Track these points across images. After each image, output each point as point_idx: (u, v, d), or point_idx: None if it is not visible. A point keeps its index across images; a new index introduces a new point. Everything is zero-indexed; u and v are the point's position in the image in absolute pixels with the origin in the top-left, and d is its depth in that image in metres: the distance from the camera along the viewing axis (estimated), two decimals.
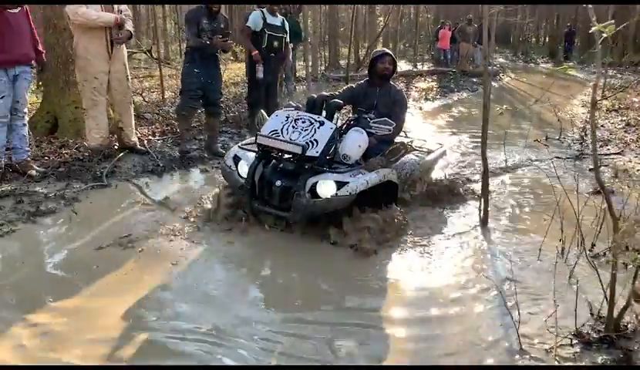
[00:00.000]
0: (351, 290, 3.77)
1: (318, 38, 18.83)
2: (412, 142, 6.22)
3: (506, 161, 6.78)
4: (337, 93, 5.61)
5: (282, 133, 4.66)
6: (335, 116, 4.92)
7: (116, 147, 6.61)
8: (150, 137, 7.40)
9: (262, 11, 7.41)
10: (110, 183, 5.69)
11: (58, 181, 5.61)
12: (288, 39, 7.84)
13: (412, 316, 3.46)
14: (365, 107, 5.50)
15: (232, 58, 18.30)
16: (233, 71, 15.65)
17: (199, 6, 6.44)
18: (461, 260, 4.27)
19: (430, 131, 9.41)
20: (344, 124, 5.09)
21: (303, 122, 4.70)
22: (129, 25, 6.04)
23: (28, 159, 5.75)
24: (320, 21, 21.61)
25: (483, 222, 4.96)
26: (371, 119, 5.02)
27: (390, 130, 4.89)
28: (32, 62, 5.64)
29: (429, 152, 6.05)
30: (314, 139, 4.56)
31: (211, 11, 6.43)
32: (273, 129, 4.73)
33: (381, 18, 27.46)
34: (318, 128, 4.64)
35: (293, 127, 4.70)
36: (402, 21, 25.50)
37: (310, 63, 14.51)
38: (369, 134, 4.85)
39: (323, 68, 18.44)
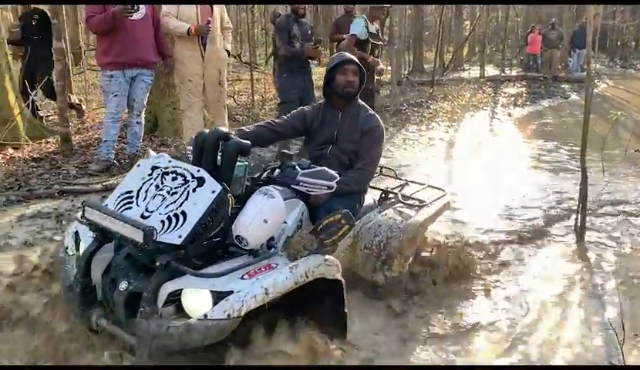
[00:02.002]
0: None
1: (402, 42, 17.36)
2: (402, 187, 4.05)
3: (603, 171, 5.69)
4: (274, 122, 3.55)
5: (138, 199, 2.62)
6: (242, 165, 2.65)
7: None
8: None
9: (365, 19, 6.74)
10: None
11: None
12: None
13: None
14: (321, 141, 3.48)
15: (316, 62, 16.94)
16: (318, 75, 14.17)
17: (287, 14, 6.13)
18: None
19: (518, 139, 9.03)
20: (259, 177, 2.66)
21: (173, 180, 2.60)
22: (228, 38, 6.17)
23: (138, 153, 5.88)
24: (405, 25, 20.09)
25: (580, 236, 4.46)
26: (302, 169, 2.95)
27: (331, 188, 2.85)
28: (152, 65, 5.80)
29: (421, 205, 3.77)
30: (182, 212, 2.47)
31: (297, 14, 6.01)
32: (127, 190, 2.69)
33: (467, 22, 24.57)
34: (193, 191, 2.53)
35: (157, 188, 2.64)
36: (490, 25, 22.44)
37: (394, 67, 13.17)
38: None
39: (407, 72, 17.33)
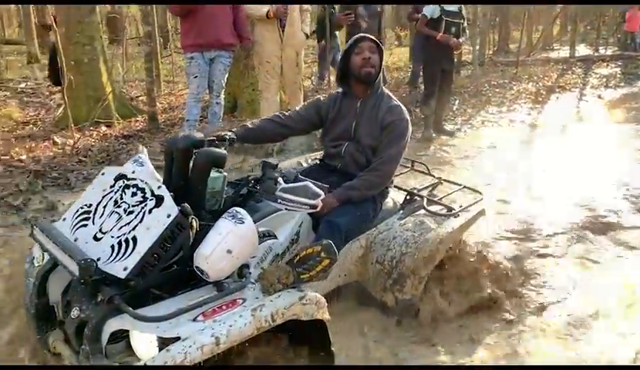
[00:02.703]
0: None
1: (487, 21, 16.09)
2: (433, 187, 3.49)
3: None
4: (284, 115, 3.07)
5: (95, 215, 2.26)
6: (219, 177, 2.17)
7: None
8: None
9: None
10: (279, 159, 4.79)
11: (237, 154, 5.46)
12: (465, 25, 6.83)
13: None
14: (336, 136, 2.99)
15: (396, 42, 17.11)
16: (396, 55, 14.28)
17: None
18: None
19: (608, 123, 8.06)
20: (238, 190, 2.23)
21: (133, 195, 2.22)
22: (306, 21, 5.98)
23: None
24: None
25: None
26: (286, 182, 2.41)
27: (314, 207, 2.30)
28: (230, 47, 5.74)
29: (448, 214, 3.16)
30: (133, 238, 2.08)
31: None
32: (86, 203, 2.33)
33: None
34: (149, 212, 2.13)
35: (115, 204, 2.25)
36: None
37: (477, 47, 12.70)
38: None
39: (491, 52, 16.41)
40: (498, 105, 8.96)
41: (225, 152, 2.32)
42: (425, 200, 3.17)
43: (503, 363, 2.67)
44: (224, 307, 2.08)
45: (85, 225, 2.21)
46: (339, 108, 3.01)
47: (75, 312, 2.11)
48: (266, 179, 2.37)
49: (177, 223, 2.05)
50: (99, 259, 2.06)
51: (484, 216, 3.30)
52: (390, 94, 3.03)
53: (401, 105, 2.99)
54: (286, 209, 2.31)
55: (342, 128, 2.98)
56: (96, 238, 2.14)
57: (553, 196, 4.80)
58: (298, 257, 2.25)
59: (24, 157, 5.50)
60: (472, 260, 3.15)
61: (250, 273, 2.24)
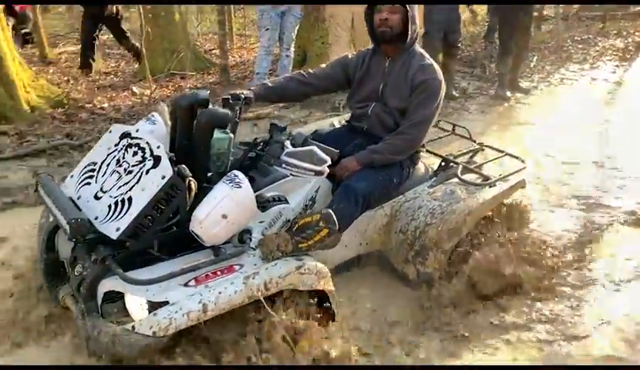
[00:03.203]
0: None
1: None
2: (473, 153, 3.22)
3: None
4: (308, 73, 2.86)
5: (98, 173, 2.21)
6: (224, 138, 2.10)
7: None
8: None
9: None
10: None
11: (302, 109, 5.49)
12: None
13: None
14: (363, 97, 2.79)
15: None
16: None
17: None
18: None
19: None
20: (246, 153, 2.10)
21: (134, 155, 2.13)
22: None
23: None
24: None
25: None
26: (294, 145, 2.31)
27: (320, 173, 2.19)
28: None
29: (483, 183, 2.88)
30: (129, 198, 2.00)
31: None
32: (92, 161, 2.29)
33: None
34: (146, 172, 2.04)
35: (117, 163, 2.19)
36: None
37: None
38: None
39: (577, 6, 14.34)
40: (580, 62, 8.24)
41: (228, 112, 2.18)
42: (460, 167, 2.91)
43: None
44: (218, 273, 2.00)
45: (89, 183, 2.17)
46: (368, 67, 2.79)
47: (78, 269, 2.10)
48: (273, 143, 2.23)
49: (172, 185, 1.96)
50: (96, 218, 2.02)
51: (523, 188, 2.99)
52: (423, 52, 2.77)
53: (434, 63, 2.73)
54: (291, 174, 2.17)
55: (370, 88, 2.77)
56: (96, 197, 2.10)
57: (630, 167, 4.35)
58: (297, 226, 2.11)
59: (105, 105, 5.72)
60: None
61: (250, 238, 2.13)
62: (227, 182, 2.03)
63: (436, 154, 3.10)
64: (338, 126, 3.16)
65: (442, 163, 3.06)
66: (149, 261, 2.07)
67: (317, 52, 6.93)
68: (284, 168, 2.14)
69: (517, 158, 3.10)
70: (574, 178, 4.22)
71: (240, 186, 2.01)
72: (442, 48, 6.03)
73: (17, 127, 4.77)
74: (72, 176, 2.26)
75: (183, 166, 2.01)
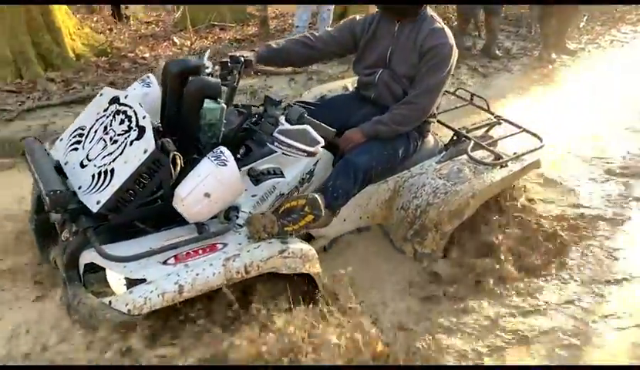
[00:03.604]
0: None
1: None
2: (489, 127, 3.05)
3: None
4: (313, 36, 2.68)
5: (86, 139, 2.14)
6: (216, 108, 2.07)
7: None
8: None
9: None
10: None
11: (341, 64, 5.14)
12: None
13: None
14: (370, 63, 2.63)
15: None
16: None
17: None
18: None
19: None
20: (239, 126, 2.07)
21: (121, 123, 1.99)
22: None
23: None
24: None
25: None
26: (289, 121, 2.12)
27: (311, 154, 2.04)
28: None
29: (494, 163, 2.71)
30: (111, 170, 1.94)
31: None
32: (81, 125, 2.22)
33: None
34: (130, 144, 1.96)
35: (104, 130, 2.11)
36: None
37: None
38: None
39: None
40: (633, 23, 7.85)
41: (219, 81, 2.05)
42: (471, 143, 2.74)
43: None
44: (200, 252, 1.93)
45: (77, 149, 2.11)
46: (375, 30, 2.60)
47: (65, 234, 2.06)
48: (266, 117, 2.10)
49: (155, 160, 1.88)
50: (80, 187, 1.97)
51: (537, 168, 2.81)
52: (434, 15, 2.56)
53: (445, 27, 2.51)
54: (283, 153, 2.05)
55: (377, 54, 2.60)
56: (82, 165, 2.04)
57: None
58: (282, 208, 2.02)
59: (147, 55, 5.67)
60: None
61: (237, 216, 2.06)
62: (213, 158, 1.93)
63: (447, 126, 2.92)
64: (351, 89, 3.00)
65: (454, 137, 2.89)
66: (135, 233, 2.01)
67: (358, 7, 6.60)
68: (276, 146, 2.02)
69: (534, 135, 2.90)
70: (613, 148, 3.99)
71: (226, 164, 1.92)
72: (484, 5, 5.76)
73: (63, 74, 4.80)
74: (61, 140, 2.20)
75: (168, 139, 1.92)
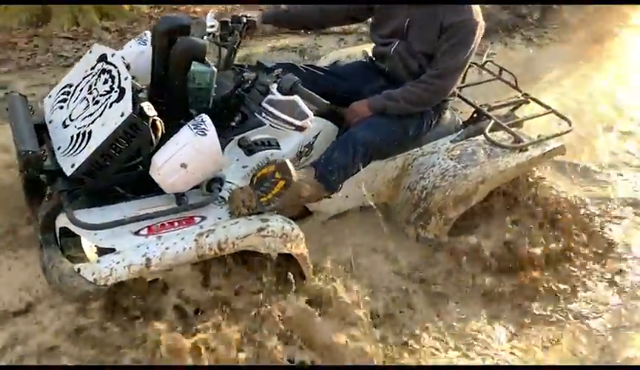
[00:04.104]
0: None
1: None
2: (515, 106, 2.80)
3: None
4: None
5: (72, 97, 2.04)
6: (206, 72, 1.92)
7: None
8: None
9: None
10: None
11: None
12: None
13: None
14: (387, 32, 2.42)
15: None
16: None
17: None
18: None
19: None
20: (232, 92, 1.97)
21: (105, 82, 1.87)
22: None
23: None
24: None
25: None
26: (281, 91, 1.95)
27: (300, 128, 1.89)
28: None
29: (513, 146, 2.46)
30: (89, 133, 1.83)
31: None
32: (68, 83, 2.10)
33: None
34: (109, 106, 1.85)
35: (89, 89, 2.00)
36: None
37: None
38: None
39: None
40: None
41: (206, 42, 1.90)
42: (490, 122, 2.51)
43: None
44: (175, 224, 1.83)
45: (62, 107, 2.02)
46: None
47: (48, 192, 1.99)
48: (257, 85, 1.95)
49: (131, 124, 1.76)
50: (59, 148, 1.88)
51: (561, 154, 2.55)
52: None
53: (470, 6, 2.27)
54: (270, 125, 1.90)
55: (394, 24, 2.37)
56: (64, 124, 1.94)
57: None
58: (255, 178, 1.87)
59: (198, 9, 5.55)
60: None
61: (220, 189, 1.93)
62: (193, 127, 1.80)
63: (468, 102, 2.69)
64: (370, 55, 2.79)
65: (475, 114, 2.65)
66: (116, 198, 1.92)
67: None
68: (264, 117, 1.87)
69: (564, 118, 2.64)
70: None
71: (205, 134, 1.78)
72: None
73: (118, 24, 4.80)
74: (50, 97, 2.11)
75: (147, 103, 1.80)
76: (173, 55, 1.89)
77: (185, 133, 1.79)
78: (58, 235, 1.87)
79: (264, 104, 1.87)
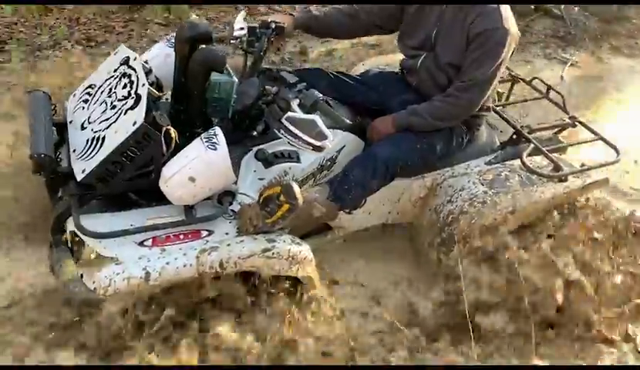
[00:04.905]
0: None
1: None
2: (559, 129, 2.59)
3: None
4: (361, 6, 2.37)
5: (93, 98, 2.02)
6: (227, 82, 1.90)
7: (533, 7, 5.03)
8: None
9: None
10: None
11: None
12: None
13: None
14: (415, 43, 2.29)
15: None
16: None
17: None
18: None
19: None
20: (253, 104, 1.84)
21: (124, 87, 1.82)
22: None
23: None
24: None
25: None
26: (291, 108, 1.85)
27: (319, 149, 1.79)
28: None
29: (551, 175, 2.26)
30: (102, 138, 1.81)
31: None
32: (92, 83, 2.08)
33: None
34: (125, 113, 1.81)
35: (109, 92, 1.97)
36: None
37: None
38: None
39: None
40: None
41: (225, 53, 1.83)
42: (530, 146, 2.33)
43: None
44: (181, 237, 1.78)
45: (83, 108, 1.99)
46: (422, 6, 2.22)
47: (59, 194, 1.98)
48: (278, 100, 1.86)
49: (143, 134, 1.71)
50: (74, 151, 1.86)
51: (606, 187, 2.34)
52: None
53: (502, 7, 2.07)
54: (289, 143, 1.81)
55: (422, 34, 2.22)
56: (82, 126, 1.93)
57: None
58: (262, 197, 1.79)
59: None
60: None
61: (230, 202, 1.87)
62: (205, 140, 1.74)
63: (507, 121, 2.50)
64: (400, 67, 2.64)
65: (514, 136, 2.47)
66: (128, 204, 1.89)
67: None
68: (282, 133, 1.78)
69: (612, 146, 2.41)
70: None
71: (216, 148, 1.72)
72: None
73: (207, 13, 4.74)
74: (74, 95, 2.09)
75: (161, 113, 1.74)
76: (192, 65, 1.83)
77: (197, 146, 1.73)
78: (68, 236, 1.85)
79: (283, 120, 1.78)
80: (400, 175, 2.24)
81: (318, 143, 1.75)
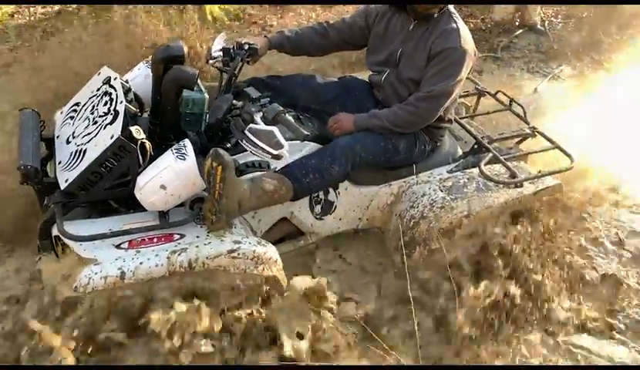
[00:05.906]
0: None
1: None
2: (521, 139, 2.75)
3: None
4: (328, 23, 2.52)
5: (78, 115, 2.19)
6: (199, 99, 1.99)
7: (517, 23, 5.26)
8: (552, 18, 5.60)
9: None
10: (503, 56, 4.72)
11: None
12: None
13: None
14: (380, 60, 2.44)
15: None
16: None
17: None
18: None
19: None
20: (222, 118, 2.09)
21: (105, 105, 2.02)
22: None
23: None
24: None
25: None
26: (254, 121, 2.01)
27: (277, 157, 1.92)
28: None
29: (506, 181, 2.40)
30: (84, 151, 1.97)
31: None
32: (77, 101, 2.25)
33: None
34: (104, 127, 1.97)
35: (92, 109, 2.13)
36: None
37: None
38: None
39: None
40: None
41: (195, 72, 1.98)
42: (488, 155, 2.46)
43: None
44: (154, 240, 1.92)
45: (69, 124, 2.15)
46: (386, 25, 2.37)
47: (47, 199, 2.11)
48: (243, 113, 2.01)
49: (120, 146, 1.86)
50: (60, 162, 2.01)
51: (557, 193, 2.46)
52: (455, 14, 2.27)
53: (462, 28, 2.22)
54: (251, 152, 1.95)
55: (387, 52, 2.37)
56: (67, 141, 2.08)
57: None
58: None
59: (274, 23, 5.59)
60: None
61: (200, 208, 2.01)
62: (175, 151, 1.89)
63: (469, 132, 2.64)
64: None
65: (475, 146, 2.60)
66: (109, 211, 2.04)
67: None
68: (245, 143, 1.93)
69: (568, 155, 2.54)
70: None
71: (184, 159, 1.86)
72: None
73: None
74: (61, 112, 2.25)
75: (136, 127, 1.89)
76: (165, 83, 1.98)
77: (167, 157, 1.88)
78: (54, 241, 2.00)
79: (246, 132, 1.92)
80: (359, 166, 2.32)
81: (275, 152, 1.89)
